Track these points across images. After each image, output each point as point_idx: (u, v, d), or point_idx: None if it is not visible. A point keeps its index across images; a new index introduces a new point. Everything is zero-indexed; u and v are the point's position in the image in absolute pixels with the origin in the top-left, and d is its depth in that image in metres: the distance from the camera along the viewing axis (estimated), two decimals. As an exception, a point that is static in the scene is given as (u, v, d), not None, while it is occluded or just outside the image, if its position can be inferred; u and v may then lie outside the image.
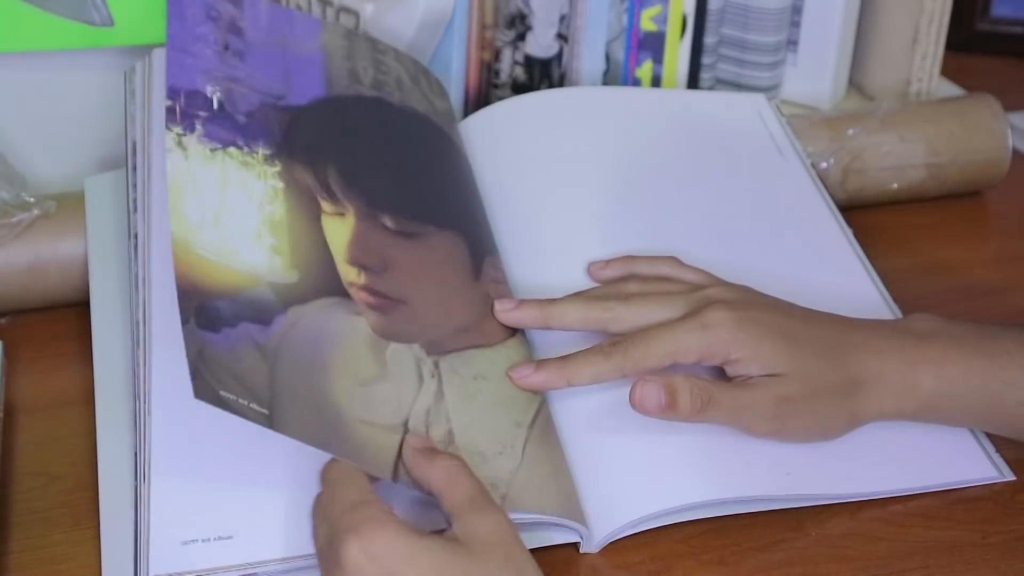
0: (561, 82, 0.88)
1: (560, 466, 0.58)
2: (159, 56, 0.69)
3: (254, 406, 0.52)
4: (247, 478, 0.56)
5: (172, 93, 0.62)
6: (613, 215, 0.72)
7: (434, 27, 0.82)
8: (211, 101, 0.63)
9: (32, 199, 0.72)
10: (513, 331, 0.63)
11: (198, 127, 0.62)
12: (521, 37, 0.87)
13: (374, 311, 0.60)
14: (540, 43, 0.87)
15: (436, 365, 0.60)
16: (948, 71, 0.95)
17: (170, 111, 0.62)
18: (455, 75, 0.85)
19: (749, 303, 0.60)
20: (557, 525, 0.56)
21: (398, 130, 0.70)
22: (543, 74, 0.88)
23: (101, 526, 0.57)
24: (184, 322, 0.54)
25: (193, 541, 0.53)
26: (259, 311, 0.57)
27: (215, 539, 0.54)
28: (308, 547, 0.52)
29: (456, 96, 0.85)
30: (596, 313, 0.61)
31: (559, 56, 0.88)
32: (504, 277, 0.66)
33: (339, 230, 0.62)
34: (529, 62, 0.88)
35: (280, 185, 0.62)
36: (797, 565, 0.57)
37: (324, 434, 0.54)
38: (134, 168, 0.67)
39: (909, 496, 0.60)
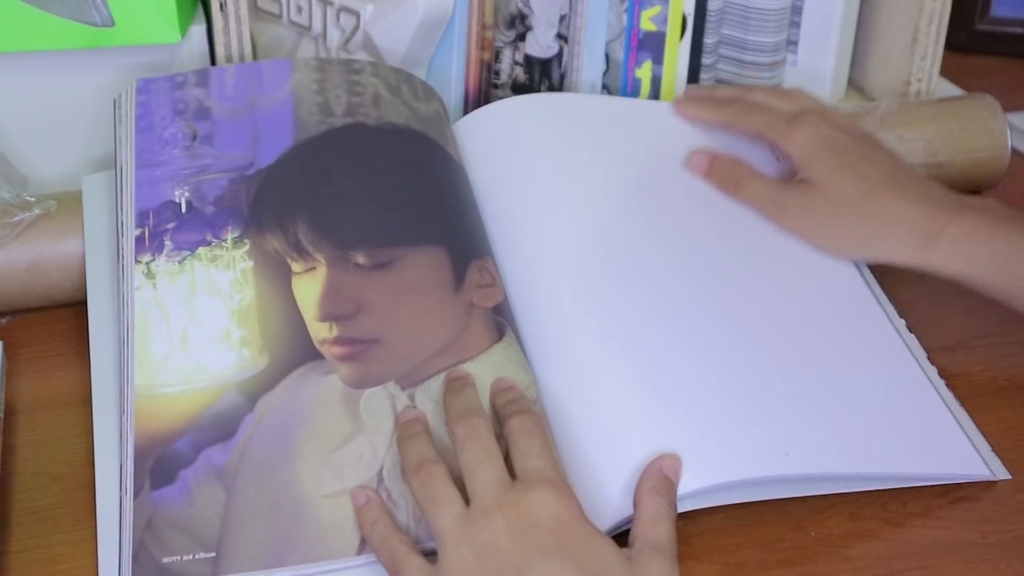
0: (561, 82, 0.88)
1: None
2: (143, 86, 0.72)
3: (200, 555, 0.55)
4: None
5: (141, 217, 0.66)
6: (613, 215, 0.72)
7: (434, 27, 0.83)
8: (179, 206, 0.66)
9: (32, 199, 0.72)
10: (498, 336, 0.63)
11: (167, 242, 0.65)
12: (521, 37, 0.87)
13: (346, 362, 0.61)
14: (540, 43, 0.87)
15: (412, 398, 0.60)
16: (948, 71, 0.95)
17: (139, 240, 0.65)
18: (455, 75, 0.85)
19: (836, 128, 0.71)
20: None
21: (374, 152, 0.70)
22: (543, 74, 0.88)
23: (98, 527, 0.57)
24: (136, 494, 0.56)
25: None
26: (222, 426, 0.59)
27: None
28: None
29: (456, 96, 0.85)
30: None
31: (559, 56, 0.88)
32: (494, 277, 0.66)
33: (310, 287, 0.64)
34: (529, 62, 0.88)
35: (249, 264, 0.65)
36: (797, 565, 0.57)
37: (280, 542, 0.55)
38: (120, 190, 0.68)
39: (909, 496, 0.60)
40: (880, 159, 0.70)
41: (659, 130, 0.78)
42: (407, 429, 0.58)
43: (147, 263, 0.64)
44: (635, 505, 0.56)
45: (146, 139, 0.69)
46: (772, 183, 0.72)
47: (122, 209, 0.67)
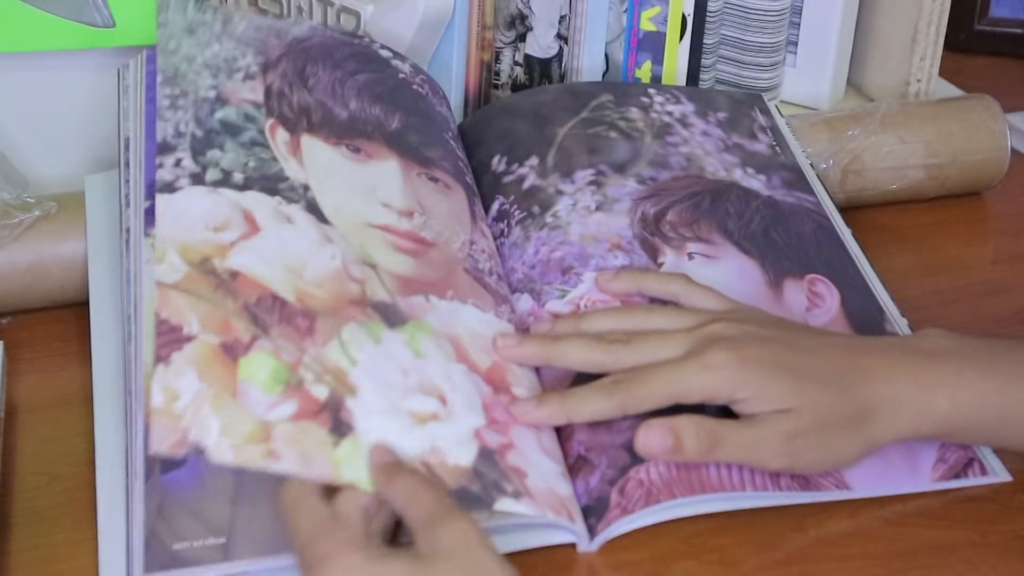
0: (561, 83, 0.88)
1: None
2: (152, 53, 0.70)
3: (211, 540, 0.53)
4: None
5: (150, 189, 0.63)
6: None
7: (434, 27, 0.83)
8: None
9: (32, 200, 0.72)
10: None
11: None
12: (521, 37, 0.87)
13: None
14: (540, 44, 0.87)
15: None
16: (947, 72, 0.95)
17: (148, 212, 0.62)
18: (455, 75, 0.85)
19: (752, 338, 0.59)
20: (551, 526, 0.56)
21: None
22: (543, 74, 0.88)
23: (99, 526, 0.57)
24: (147, 478, 0.55)
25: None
26: None
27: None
28: None
29: (456, 96, 0.85)
30: (599, 356, 0.60)
31: (559, 56, 0.88)
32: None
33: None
34: (529, 62, 0.88)
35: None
36: (797, 565, 0.57)
37: None
38: (126, 164, 0.67)
39: (909, 496, 0.60)
40: (805, 342, 0.60)
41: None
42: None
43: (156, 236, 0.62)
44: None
45: (156, 109, 0.67)
46: (737, 438, 0.57)
47: (128, 183, 0.66)
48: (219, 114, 0.67)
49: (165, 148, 0.65)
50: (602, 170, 0.73)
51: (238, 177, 0.64)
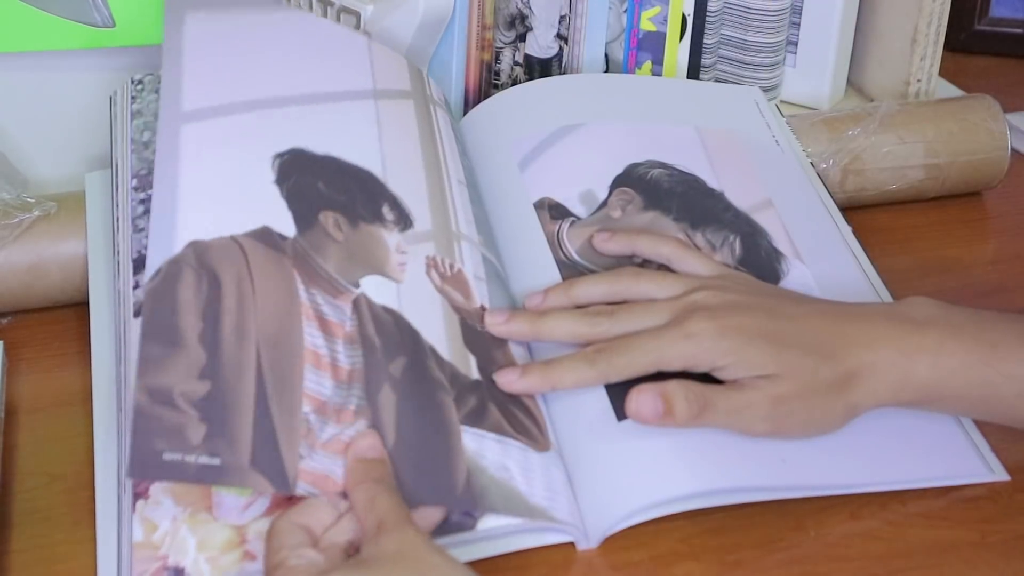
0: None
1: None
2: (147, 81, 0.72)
3: (203, 459, 0.51)
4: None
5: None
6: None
7: (434, 28, 0.83)
8: None
9: (32, 200, 0.72)
10: None
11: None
12: (521, 37, 0.87)
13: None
14: (540, 44, 0.87)
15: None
16: (947, 72, 0.96)
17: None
18: (455, 75, 0.85)
19: (734, 306, 0.60)
20: (548, 528, 0.56)
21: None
22: (543, 74, 0.88)
23: (97, 526, 0.57)
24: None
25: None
26: None
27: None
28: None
29: (456, 96, 0.85)
30: (584, 329, 0.62)
31: (559, 56, 0.88)
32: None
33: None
34: (529, 62, 0.88)
35: None
36: (797, 565, 0.57)
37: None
38: (116, 188, 0.68)
39: (909, 496, 0.60)
40: (789, 310, 0.61)
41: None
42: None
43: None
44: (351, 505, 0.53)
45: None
46: (724, 403, 0.58)
47: (117, 206, 0.67)
48: None
49: (140, 264, 0.62)
50: None
51: None
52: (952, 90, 0.97)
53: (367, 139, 0.68)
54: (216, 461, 0.51)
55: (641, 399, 0.58)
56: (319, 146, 0.65)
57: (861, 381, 0.59)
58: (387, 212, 0.64)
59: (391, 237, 0.64)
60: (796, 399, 0.58)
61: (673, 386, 0.58)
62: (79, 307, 0.71)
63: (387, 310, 0.60)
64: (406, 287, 0.62)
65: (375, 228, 0.63)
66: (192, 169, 0.62)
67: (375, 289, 0.61)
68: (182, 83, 0.65)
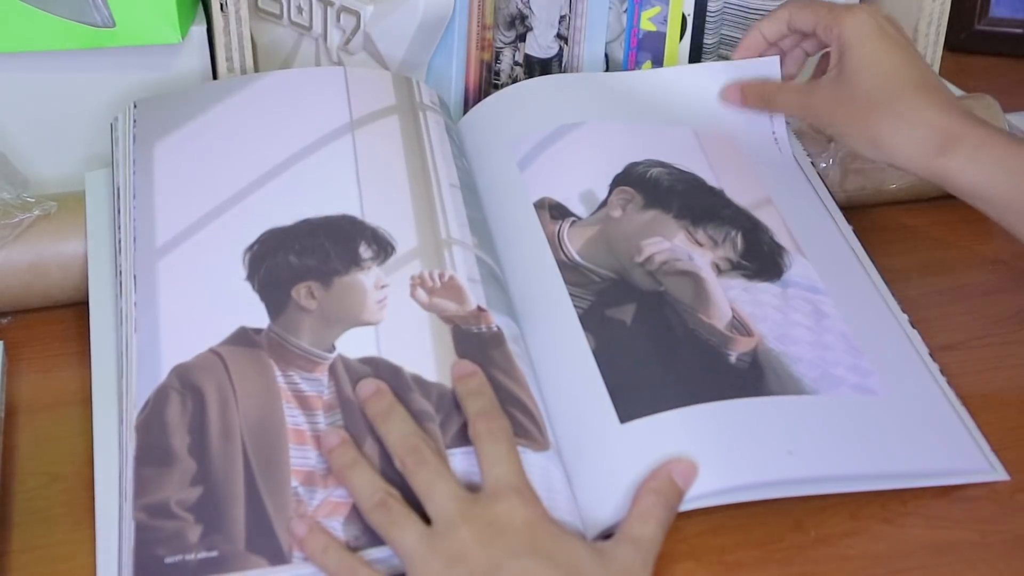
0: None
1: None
2: (142, 108, 0.73)
3: (202, 554, 0.54)
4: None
5: None
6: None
7: (434, 28, 0.83)
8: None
9: (32, 199, 0.72)
10: None
11: None
12: (521, 37, 0.87)
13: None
14: (540, 44, 0.87)
15: None
16: (947, 71, 0.95)
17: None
18: (455, 75, 0.85)
19: (892, 23, 0.72)
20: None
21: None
22: (543, 74, 0.88)
23: (97, 526, 0.57)
24: None
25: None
26: None
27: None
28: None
29: (456, 96, 0.85)
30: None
31: (559, 56, 0.88)
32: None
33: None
34: (529, 62, 0.88)
35: None
36: (797, 565, 0.57)
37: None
38: (118, 212, 0.69)
39: (909, 496, 0.60)
40: (917, 62, 0.71)
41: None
42: (345, 457, 0.57)
43: None
44: (633, 500, 0.56)
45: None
46: (798, 88, 0.76)
47: (119, 213, 0.68)
48: None
49: None
50: None
51: None
52: (952, 90, 0.96)
53: (343, 181, 0.69)
54: (214, 553, 0.54)
55: (729, 92, 0.79)
56: (290, 216, 0.67)
57: (911, 126, 0.69)
58: (364, 251, 0.66)
59: (369, 276, 0.65)
60: (853, 102, 0.72)
61: (751, 82, 0.79)
62: (79, 307, 0.71)
63: (365, 360, 0.61)
64: (386, 324, 0.63)
65: (351, 277, 0.64)
66: (171, 298, 0.64)
67: (352, 343, 0.62)
68: (155, 219, 0.67)
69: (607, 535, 0.56)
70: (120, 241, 0.67)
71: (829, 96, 0.72)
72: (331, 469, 0.57)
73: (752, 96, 0.78)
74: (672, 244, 0.69)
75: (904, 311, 0.69)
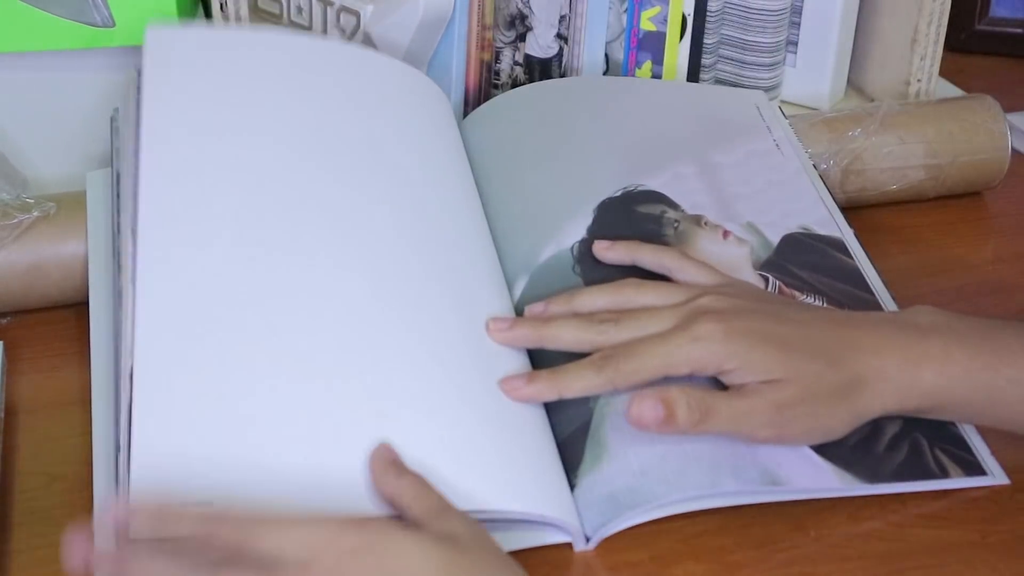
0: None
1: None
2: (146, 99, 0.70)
3: None
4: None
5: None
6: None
7: (434, 27, 0.83)
8: None
9: (32, 200, 0.72)
10: None
11: None
12: (521, 37, 0.87)
13: None
14: (540, 44, 0.87)
15: None
16: (947, 72, 0.95)
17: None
18: (455, 75, 0.85)
19: (739, 311, 0.60)
20: (546, 524, 0.56)
21: None
22: (543, 74, 0.88)
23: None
24: None
25: None
26: None
27: None
28: None
29: (456, 96, 0.85)
30: (590, 335, 0.61)
31: (559, 56, 0.88)
32: None
33: None
34: (529, 62, 0.88)
35: None
36: (797, 565, 0.57)
37: None
38: (117, 196, 0.68)
39: (909, 496, 0.60)
40: (794, 315, 0.61)
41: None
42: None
43: None
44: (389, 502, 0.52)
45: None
46: (727, 409, 0.57)
47: (120, 213, 0.67)
48: None
49: None
50: None
51: None
52: (952, 90, 0.97)
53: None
54: None
55: (643, 406, 0.57)
56: None
57: (867, 387, 0.58)
58: None
59: None
60: (800, 404, 0.58)
61: (675, 392, 0.57)
62: (79, 307, 0.71)
63: None
64: None
65: None
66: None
67: None
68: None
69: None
70: (119, 225, 0.66)
71: (762, 415, 0.58)
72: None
73: (683, 420, 0.57)
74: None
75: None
